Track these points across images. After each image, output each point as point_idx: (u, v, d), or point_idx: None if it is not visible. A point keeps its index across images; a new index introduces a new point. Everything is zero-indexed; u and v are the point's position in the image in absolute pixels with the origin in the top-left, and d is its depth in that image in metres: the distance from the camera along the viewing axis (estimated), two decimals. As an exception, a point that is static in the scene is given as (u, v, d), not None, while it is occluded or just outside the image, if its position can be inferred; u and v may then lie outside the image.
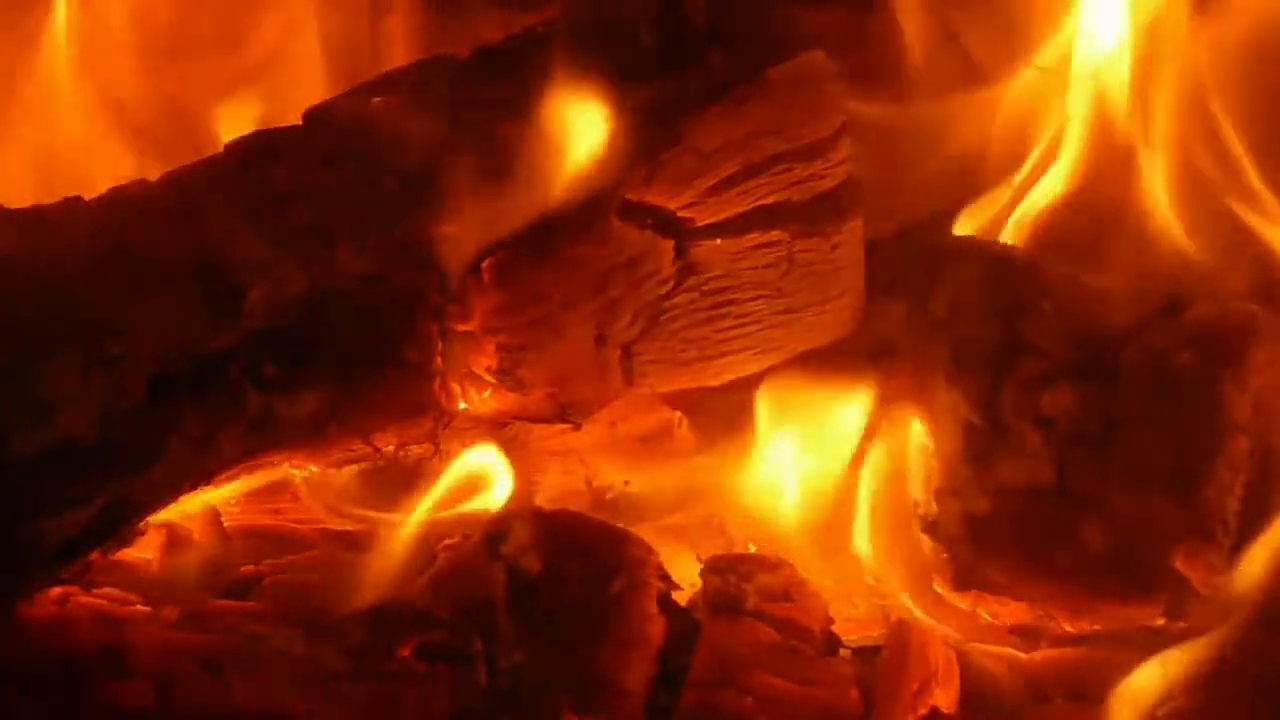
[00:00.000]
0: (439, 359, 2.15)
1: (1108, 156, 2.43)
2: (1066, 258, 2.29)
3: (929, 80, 2.51)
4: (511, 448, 2.33)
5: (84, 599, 2.08)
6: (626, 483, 2.35)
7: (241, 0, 2.59)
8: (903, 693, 2.05)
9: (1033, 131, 2.44)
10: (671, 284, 2.25)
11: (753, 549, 2.30)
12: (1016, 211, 2.41)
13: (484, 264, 2.16)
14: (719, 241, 2.27)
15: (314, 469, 2.24)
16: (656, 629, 2.07)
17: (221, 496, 2.27)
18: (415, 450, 2.20)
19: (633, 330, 2.24)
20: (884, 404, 2.31)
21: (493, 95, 2.23)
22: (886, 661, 2.10)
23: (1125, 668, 2.06)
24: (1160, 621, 2.10)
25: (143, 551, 2.17)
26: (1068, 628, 2.15)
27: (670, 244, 2.24)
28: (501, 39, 2.30)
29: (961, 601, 2.18)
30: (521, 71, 2.24)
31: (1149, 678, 2.03)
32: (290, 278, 2.09)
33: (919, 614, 2.20)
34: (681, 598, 2.14)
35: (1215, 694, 2.02)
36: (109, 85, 2.58)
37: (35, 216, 2.11)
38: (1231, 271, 2.32)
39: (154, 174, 2.20)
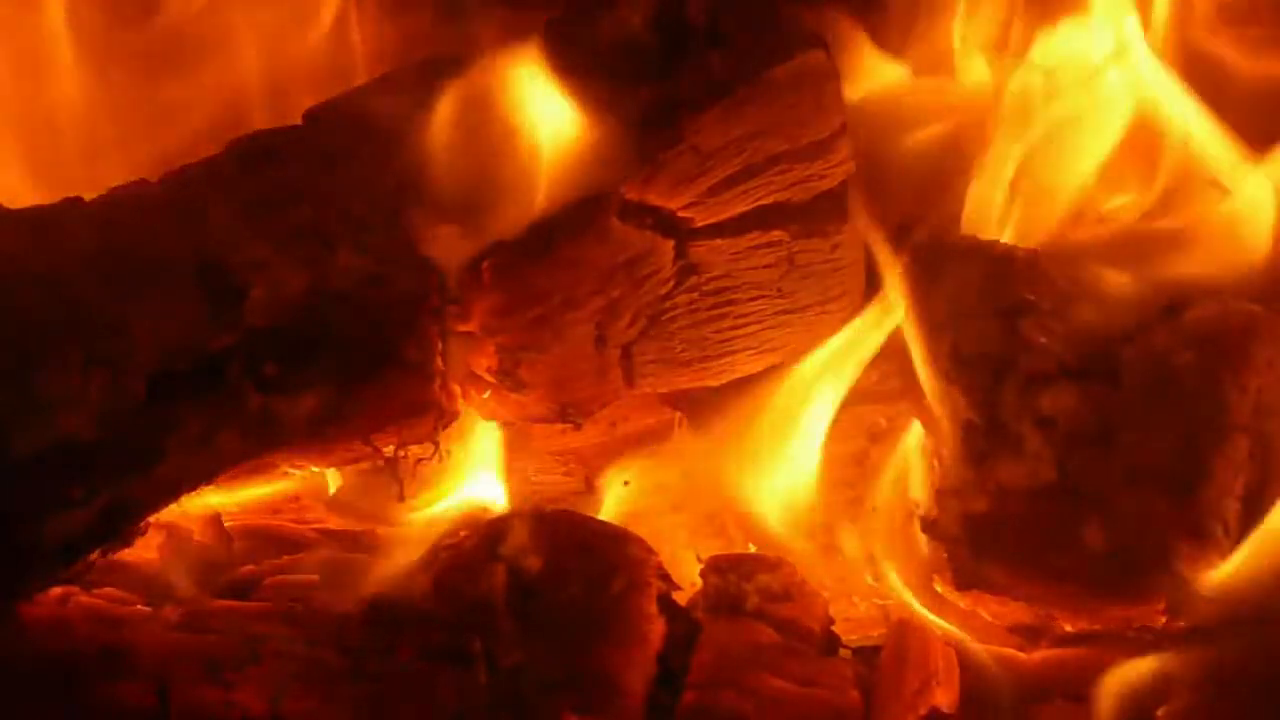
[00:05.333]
0: (439, 359, 2.15)
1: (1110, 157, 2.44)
2: (1067, 257, 2.29)
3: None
4: (511, 447, 2.34)
5: (84, 599, 2.08)
6: (626, 483, 2.35)
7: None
8: (903, 693, 2.05)
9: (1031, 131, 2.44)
10: (671, 284, 2.25)
11: (753, 549, 2.30)
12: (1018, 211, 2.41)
13: (484, 264, 2.16)
14: (719, 242, 2.27)
15: (314, 469, 2.24)
16: (656, 629, 2.06)
17: (225, 505, 2.28)
18: (415, 450, 2.20)
19: (633, 330, 2.24)
20: (884, 404, 2.31)
21: (493, 95, 2.23)
22: (886, 661, 2.10)
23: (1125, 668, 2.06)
24: (1160, 621, 2.10)
25: (143, 551, 2.17)
26: (1068, 628, 2.15)
27: (670, 244, 2.25)
28: (501, 39, 2.30)
29: (961, 601, 2.18)
30: (522, 72, 2.24)
31: (1144, 675, 2.03)
32: (290, 278, 2.09)
33: (920, 614, 2.20)
34: (681, 598, 2.14)
35: (1215, 694, 2.02)
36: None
37: (35, 216, 2.11)
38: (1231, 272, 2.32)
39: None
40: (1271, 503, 2.11)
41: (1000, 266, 2.21)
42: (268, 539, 2.30)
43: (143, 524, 2.07)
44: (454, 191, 2.17)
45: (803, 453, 2.33)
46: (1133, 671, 2.05)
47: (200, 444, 2.04)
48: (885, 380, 2.32)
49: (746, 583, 2.13)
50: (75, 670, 1.99)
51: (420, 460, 2.21)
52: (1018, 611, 2.17)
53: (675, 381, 2.30)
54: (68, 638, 2.03)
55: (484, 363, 2.18)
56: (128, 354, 2.00)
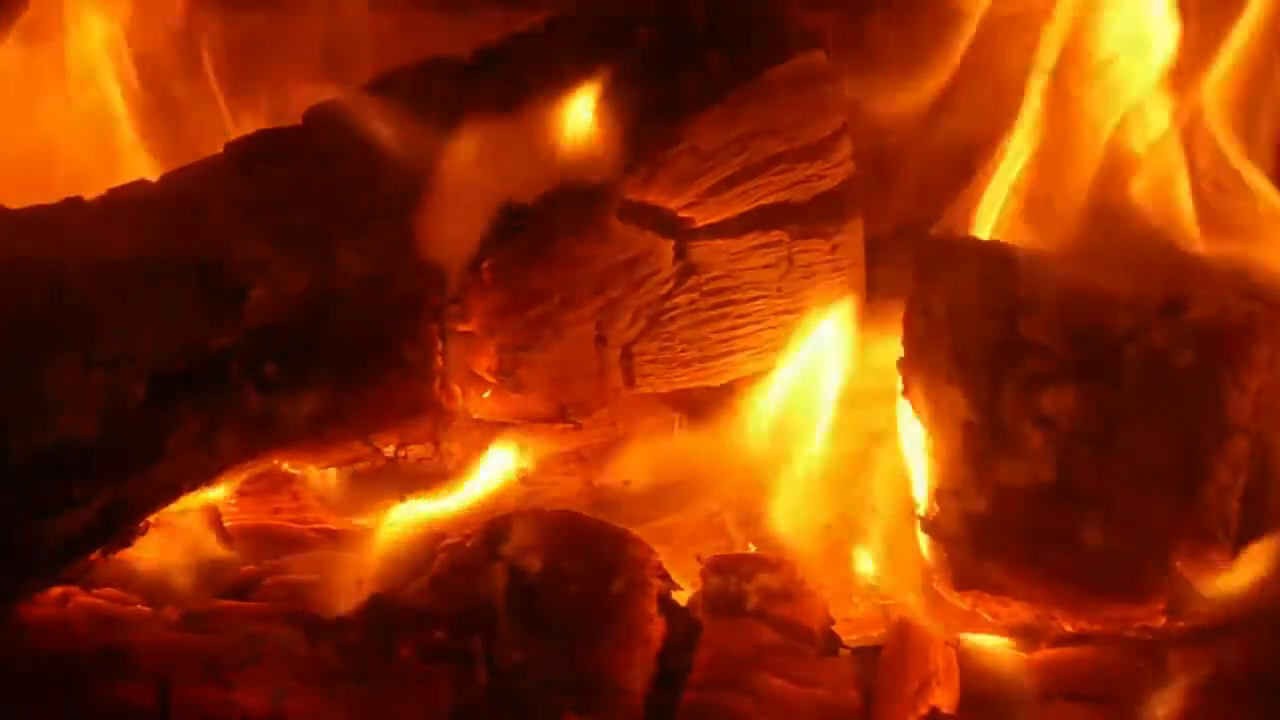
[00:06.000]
0: (439, 359, 2.15)
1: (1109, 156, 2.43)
2: (1067, 257, 2.29)
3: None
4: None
5: (84, 599, 2.08)
6: (626, 483, 2.35)
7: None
8: (903, 693, 2.05)
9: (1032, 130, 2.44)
10: (671, 284, 2.25)
11: (753, 549, 2.30)
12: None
13: (484, 264, 2.16)
14: (719, 242, 2.27)
15: (314, 469, 2.24)
16: (656, 629, 2.06)
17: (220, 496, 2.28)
18: (415, 450, 2.20)
19: (633, 330, 2.24)
20: (884, 404, 2.31)
21: (493, 95, 2.23)
22: (886, 661, 2.10)
23: (1125, 668, 2.06)
24: (1160, 621, 2.10)
25: (143, 551, 2.17)
26: (1068, 628, 2.15)
27: (670, 244, 2.25)
28: (501, 39, 2.30)
29: (961, 601, 2.18)
30: (521, 71, 2.24)
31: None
32: (290, 278, 2.09)
33: (919, 614, 2.20)
34: (681, 598, 2.14)
35: (1215, 694, 2.02)
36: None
37: (35, 216, 2.11)
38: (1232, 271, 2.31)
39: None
40: (1271, 503, 2.11)
41: (1000, 266, 2.21)
42: (268, 539, 2.30)
43: (143, 524, 2.08)
44: (454, 191, 2.17)
45: (803, 453, 2.33)
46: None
47: (200, 444, 2.04)
48: (885, 380, 2.31)
49: (746, 583, 2.13)
50: (75, 670, 1.99)
51: (421, 460, 2.21)
52: (1018, 611, 2.16)
53: (675, 381, 2.30)
54: (68, 638, 2.03)
55: (484, 363, 2.18)
56: (128, 354, 2.00)
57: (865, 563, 2.30)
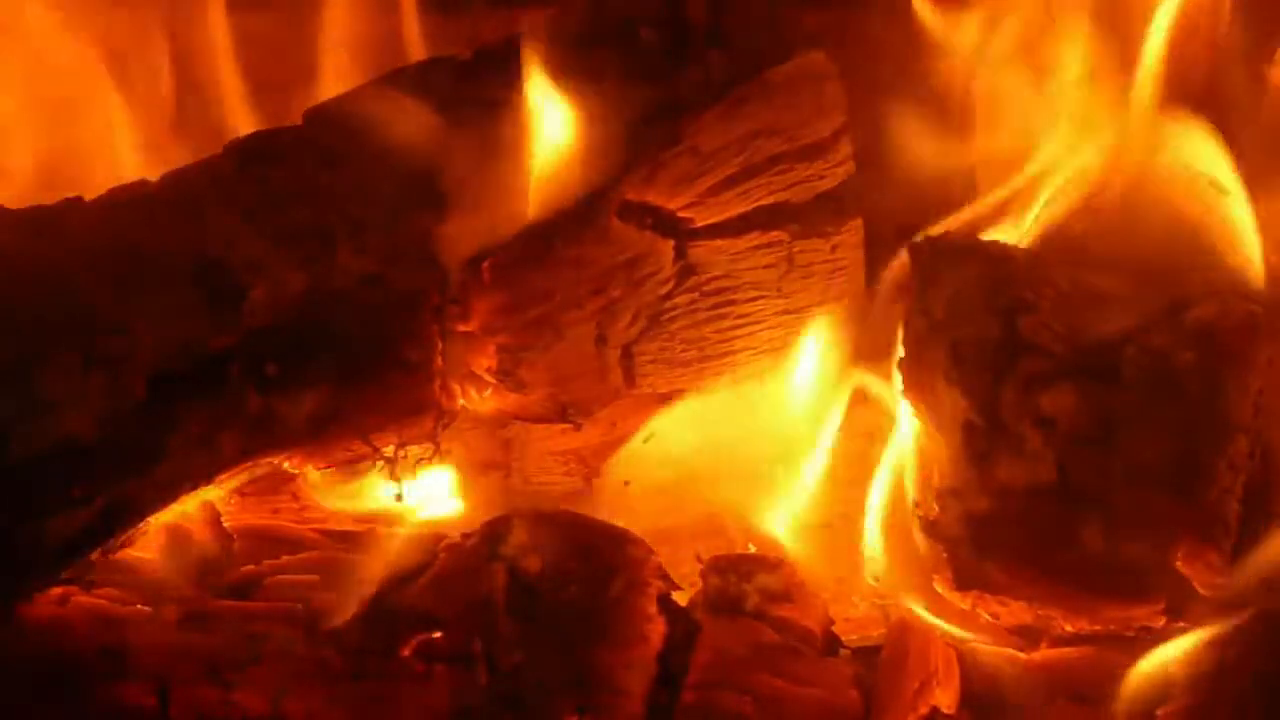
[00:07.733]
0: (439, 359, 2.15)
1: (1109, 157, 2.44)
2: (1067, 258, 2.29)
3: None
4: (511, 447, 2.34)
5: (84, 599, 2.08)
6: (626, 483, 2.35)
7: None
8: (903, 693, 2.05)
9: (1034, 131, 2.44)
10: (671, 284, 2.25)
11: (753, 549, 2.30)
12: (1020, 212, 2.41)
13: (484, 264, 2.16)
14: (719, 242, 2.27)
15: (314, 469, 2.24)
16: (656, 629, 2.06)
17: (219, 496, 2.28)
18: (415, 450, 2.20)
19: (633, 330, 2.24)
20: (883, 404, 2.31)
21: (493, 95, 2.23)
22: (886, 661, 2.10)
23: (1125, 668, 2.06)
24: (1160, 621, 2.10)
25: (143, 551, 2.17)
26: (1068, 628, 2.15)
27: (670, 244, 2.25)
28: (501, 39, 2.31)
29: (962, 601, 2.18)
30: (521, 71, 2.24)
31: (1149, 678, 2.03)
32: (290, 277, 2.09)
33: (920, 614, 2.20)
34: (681, 598, 2.14)
35: (1215, 694, 2.02)
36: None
37: (35, 216, 2.11)
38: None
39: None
40: (1272, 503, 2.11)
41: (1000, 266, 2.21)
42: (268, 539, 2.30)
43: (143, 524, 2.08)
44: (454, 191, 2.17)
45: (803, 453, 2.33)
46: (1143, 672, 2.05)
47: (200, 444, 2.04)
48: (885, 380, 2.31)
49: (746, 583, 2.13)
50: (75, 670, 1.99)
51: (420, 460, 2.22)
52: (1018, 611, 2.16)
53: (675, 381, 2.30)
54: (68, 638, 2.03)
55: (484, 363, 2.18)
56: (128, 354, 2.00)
57: (865, 563, 2.30)
